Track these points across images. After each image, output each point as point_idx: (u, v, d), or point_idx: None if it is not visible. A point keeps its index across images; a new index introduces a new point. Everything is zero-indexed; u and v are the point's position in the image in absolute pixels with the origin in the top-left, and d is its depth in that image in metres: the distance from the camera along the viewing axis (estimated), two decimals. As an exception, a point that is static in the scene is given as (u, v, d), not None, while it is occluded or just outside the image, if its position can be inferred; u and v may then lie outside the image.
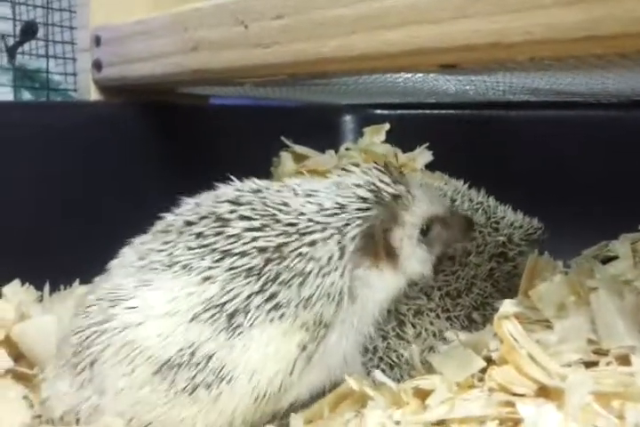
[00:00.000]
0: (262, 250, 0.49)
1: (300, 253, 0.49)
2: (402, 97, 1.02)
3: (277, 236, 0.50)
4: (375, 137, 1.04)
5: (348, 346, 0.53)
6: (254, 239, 0.49)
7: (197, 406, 0.47)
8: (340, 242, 0.50)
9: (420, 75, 0.65)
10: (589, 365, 0.49)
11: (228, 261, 0.49)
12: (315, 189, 0.54)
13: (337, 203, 0.52)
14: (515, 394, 0.46)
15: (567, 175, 0.82)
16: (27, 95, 1.12)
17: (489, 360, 0.52)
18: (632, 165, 0.79)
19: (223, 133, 0.89)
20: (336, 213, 0.51)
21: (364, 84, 0.75)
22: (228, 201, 0.53)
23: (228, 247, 0.49)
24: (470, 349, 0.54)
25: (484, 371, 0.51)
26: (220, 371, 0.47)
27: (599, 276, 0.60)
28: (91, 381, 0.48)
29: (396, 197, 0.53)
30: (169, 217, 0.55)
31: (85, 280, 0.70)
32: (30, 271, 0.67)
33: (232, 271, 0.48)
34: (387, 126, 1.04)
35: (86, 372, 0.48)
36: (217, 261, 0.49)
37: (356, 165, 0.57)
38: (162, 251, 0.51)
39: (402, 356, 0.59)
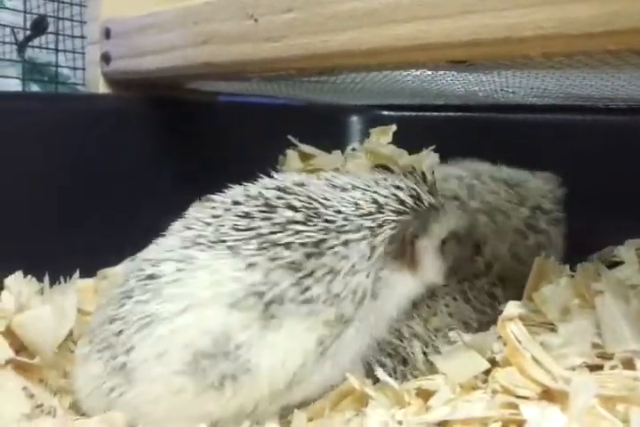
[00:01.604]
0: (303, 244, 0.50)
1: (335, 252, 0.50)
2: (410, 98, 1.01)
3: (318, 231, 0.51)
4: (382, 138, 1.04)
5: (362, 344, 0.54)
6: (297, 233, 0.50)
7: (222, 399, 0.47)
8: (371, 243, 0.52)
9: (429, 73, 0.65)
10: (593, 368, 0.49)
11: (272, 251, 0.50)
12: (353, 184, 0.55)
13: (374, 201, 0.53)
14: (518, 396, 0.46)
15: (575, 180, 0.81)
16: (35, 88, 1.12)
17: (492, 362, 0.52)
18: (640, 171, 0.78)
19: (229, 130, 0.88)
20: (371, 213, 0.52)
21: (373, 83, 0.75)
22: (276, 188, 0.54)
23: (274, 237, 0.50)
24: (474, 350, 0.54)
25: (487, 373, 0.51)
26: (248, 362, 0.47)
27: (605, 280, 0.59)
28: (123, 368, 0.48)
29: (432, 207, 0.55)
30: (215, 197, 0.56)
31: (86, 273, 0.70)
32: (33, 263, 0.66)
33: (275, 262, 0.49)
34: (393, 128, 1.04)
35: (121, 358, 0.48)
36: (262, 248, 0.50)
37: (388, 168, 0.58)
38: (209, 224, 0.52)
39: (412, 329, 0.58)
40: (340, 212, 0.52)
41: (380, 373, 0.52)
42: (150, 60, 0.70)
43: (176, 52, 0.67)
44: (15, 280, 0.65)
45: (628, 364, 0.48)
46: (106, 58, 0.77)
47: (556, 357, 0.49)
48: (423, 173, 0.57)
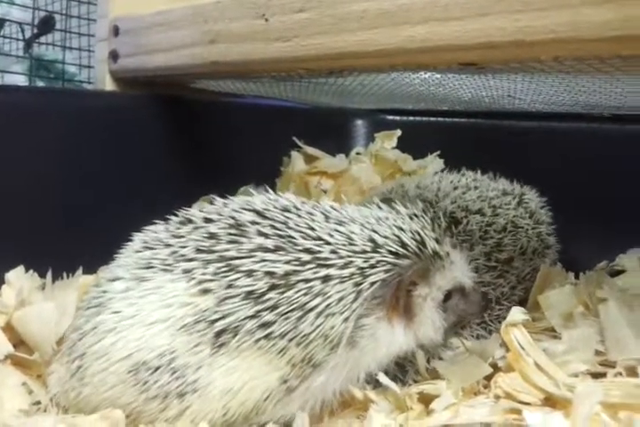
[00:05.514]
0: (269, 273, 0.46)
1: (309, 287, 0.46)
2: (415, 103, 1.01)
3: (288, 262, 0.46)
4: (386, 143, 1.04)
5: (334, 387, 0.49)
6: (264, 261, 0.46)
7: (165, 413, 0.46)
8: (358, 284, 0.46)
9: (438, 76, 0.65)
10: (596, 376, 0.49)
11: (231, 277, 0.46)
12: (350, 218, 0.50)
13: (371, 239, 0.48)
14: (520, 402, 0.46)
15: (580, 188, 0.81)
16: (41, 85, 1.12)
17: (494, 367, 0.51)
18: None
19: (234, 130, 0.88)
20: (365, 251, 0.47)
21: (380, 86, 0.75)
22: (254, 211, 0.50)
23: (236, 262, 0.46)
24: (476, 355, 0.53)
25: (488, 378, 0.50)
26: (194, 383, 0.45)
27: (608, 288, 0.59)
28: (77, 371, 0.48)
29: (436, 255, 0.50)
30: (192, 210, 0.53)
31: (89, 269, 0.70)
32: (35, 258, 0.66)
33: (231, 289, 0.46)
34: (398, 132, 1.04)
35: (76, 362, 0.48)
36: (221, 273, 0.46)
37: (405, 206, 0.53)
38: (169, 246, 0.49)
39: (410, 361, 0.55)
40: (328, 243, 0.47)
41: (381, 377, 0.51)
42: (158, 58, 0.70)
43: (184, 51, 0.66)
44: (16, 275, 0.65)
45: (632, 371, 0.48)
46: (114, 55, 0.77)
47: (559, 363, 0.49)
48: (432, 219, 0.52)
